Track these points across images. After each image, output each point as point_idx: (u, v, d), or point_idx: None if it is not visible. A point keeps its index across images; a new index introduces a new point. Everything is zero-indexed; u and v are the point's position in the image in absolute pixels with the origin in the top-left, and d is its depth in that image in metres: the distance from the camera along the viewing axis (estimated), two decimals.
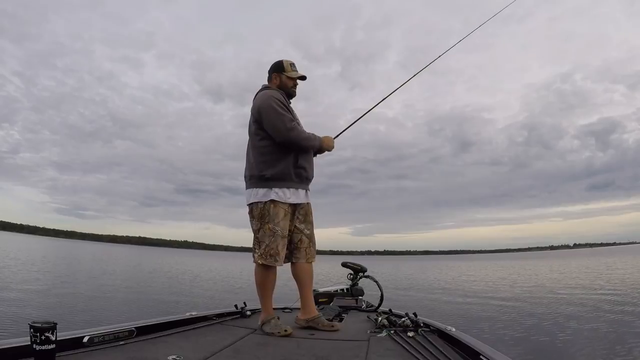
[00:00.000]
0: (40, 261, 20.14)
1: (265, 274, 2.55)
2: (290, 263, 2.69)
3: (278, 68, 2.75)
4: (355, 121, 3.04)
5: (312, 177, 2.76)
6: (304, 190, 2.70)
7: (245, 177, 2.66)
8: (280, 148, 2.56)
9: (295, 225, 2.67)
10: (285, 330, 2.33)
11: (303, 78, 2.78)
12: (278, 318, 2.48)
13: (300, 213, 2.68)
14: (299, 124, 2.67)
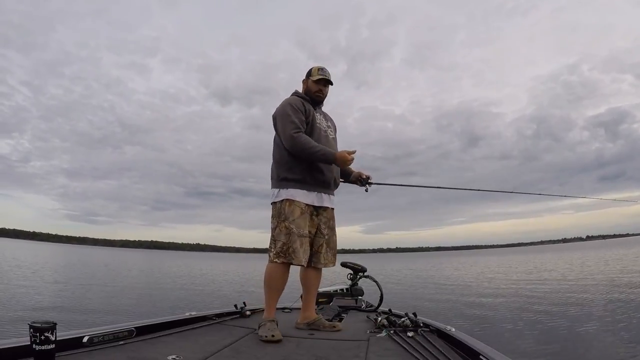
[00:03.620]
0: (48, 267, 20.19)
1: (277, 274, 2.51)
2: (300, 267, 2.67)
3: (307, 74, 2.80)
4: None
5: (333, 181, 2.72)
6: (326, 195, 2.69)
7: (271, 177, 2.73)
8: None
9: (320, 230, 2.66)
10: (273, 336, 2.18)
11: (326, 82, 2.76)
12: (276, 323, 2.36)
13: (324, 216, 2.68)
14: (324, 132, 2.70)
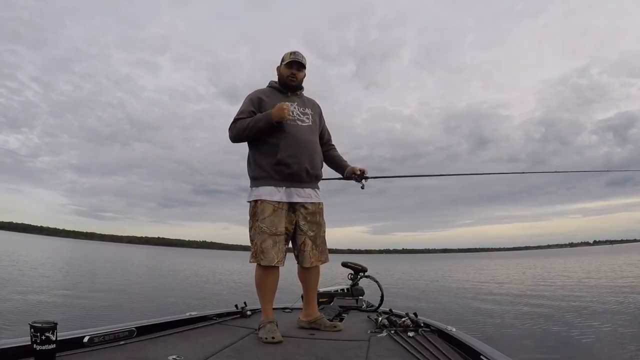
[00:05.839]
0: (51, 263, 20.19)
1: (261, 274, 2.47)
2: (297, 265, 2.65)
3: (281, 60, 2.67)
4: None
5: (305, 174, 2.52)
6: (299, 189, 2.53)
7: None
8: (257, 147, 2.54)
9: (299, 227, 2.55)
10: (273, 338, 2.16)
11: (298, 65, 2.61)
12: (276, 324, 2.34)
13: (302, 212, 2.54)
14: (292, 120, 2.53)
